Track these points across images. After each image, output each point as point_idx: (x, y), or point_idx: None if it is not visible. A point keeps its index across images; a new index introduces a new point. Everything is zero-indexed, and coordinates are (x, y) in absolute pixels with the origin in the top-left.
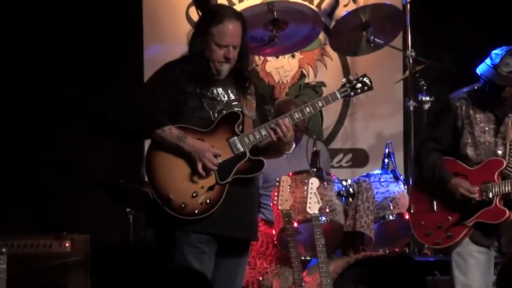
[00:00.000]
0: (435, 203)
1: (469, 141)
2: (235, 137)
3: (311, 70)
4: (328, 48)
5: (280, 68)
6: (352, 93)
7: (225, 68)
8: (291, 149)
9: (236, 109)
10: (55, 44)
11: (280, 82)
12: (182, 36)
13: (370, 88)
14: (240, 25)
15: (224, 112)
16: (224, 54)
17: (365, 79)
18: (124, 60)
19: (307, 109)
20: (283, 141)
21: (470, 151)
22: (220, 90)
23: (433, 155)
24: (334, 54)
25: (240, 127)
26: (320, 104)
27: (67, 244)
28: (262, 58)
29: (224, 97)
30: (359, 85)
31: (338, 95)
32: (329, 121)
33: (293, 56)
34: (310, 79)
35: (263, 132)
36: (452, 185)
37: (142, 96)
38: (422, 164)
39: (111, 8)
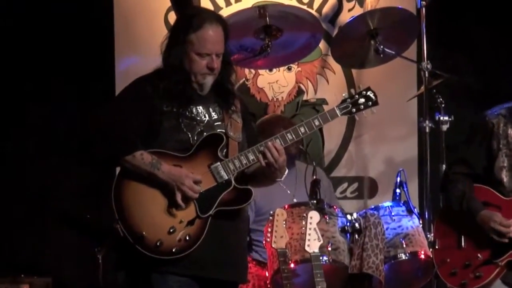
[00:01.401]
0: (463, 238)
1: (505, 164)
2: (218, 163)
3: (310, 85)
4: (331, 60)
5: (274, 83)
6: (354, 110)
7: (209, 80)
8: (283, 176)
9: (218, 130)
10: (13, 57)
11: (274, 99)
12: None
13: (375, 103)
14: (221, 29)
15: (205, 134)
16: (207, 64)
17: (368, 92)
18: (93, 74)
19: (302, 129)
20: (274, 167)
21: (505, 177)
22: (200, 108)
23: (462, 182)
24: (337, 67)
25: (224, 151)
26: (317, 123)
27: None
28: (253, 71)
29: (204, 117)
30: (362, 99)
31: (337, 111)
32: (331, 145)
33: (289, 69)
34: (309, 95)
35: (251, 157)
36: (482, 218)
37: (110, 116)
38: (449, 192)
39: (77, 16)
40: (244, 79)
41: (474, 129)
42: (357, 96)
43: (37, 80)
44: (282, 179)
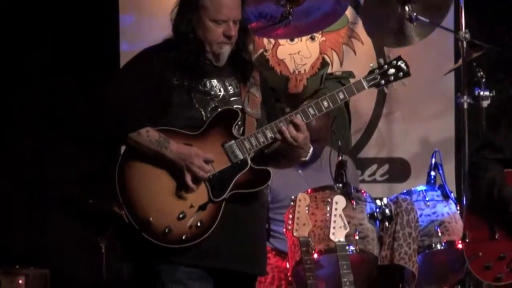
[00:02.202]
0: (496, 228)
1: None
2: (233, 141)
3: (335, 56)
4: (358, 29)
5: (295, 54)
6: (383, 81)
7: (226, 50)
8: (308, 156)
9: (235, 106)
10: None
11: (296, 72)
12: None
13: (407, 73)
14: None
15: (219, 109)
16: (224, 31)
17: (399, 62)
18: (95, 49)
19: (324, 103)
20: (294, 145)
21: None
22: (214, 82)
23: (492, 168)
24: (365, 36)
25: (241, 128)
26: (341, 96)
27: (20, 281)
28: (272, 41)
29: (219, 91)
30: (391, 70)
31: (364, 83)
32: (359, 123)
33: (312, 39)
34: (335, 68)
35: (269, 134)
36: None
37: (112, 91)
38: (478, 180)
39: None
40: (262, 49)
41: (501, 110)
42: (386, 66)
43: (35, 51)
44: (308, 158)
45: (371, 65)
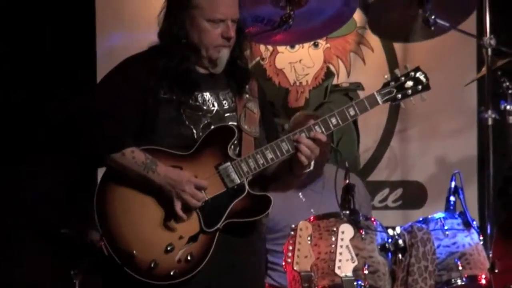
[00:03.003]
0: None
1: None
2: (228, 163)
3: (342, 66)
4: (368, 34)
5: (296, 63)
6: (399, 96)
7: (225, 54)
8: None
9: (230, 122)
10: None
11: (297, 83)
12: (150, 21)
13: (426, 87)
14: None
15: (212, 127)
16: (222, 32)
17: (418, 74)
18: (71, 55)
19: (333, 120)
20: (306, 162)
21: None
22: (207, 95)
23: None
24: (376, 43)
25: (237, 148)
26: (352, 113)
27: None
28: (270, 48)
29: (213, 106)
30: (409, 82)
31: (378, 98)
32: (368, 141)
33: (315, 46)
34: (341, 79)
35: (269, 156)
36: None
37: (93, 104)
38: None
39: None
40: (259, 58)
41: None
42: (403, 78)
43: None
44: (312, 168)
45: (385, 76)
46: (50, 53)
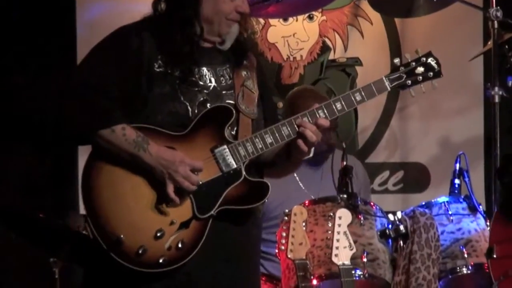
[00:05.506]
0: None
1: None
2: (224, 146)
3: (338, 39)
4: (366, 5)
5: (290, 37)
6: (409, 82)
7: (234, 30)
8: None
9: (227, 101)
10: None
11: (291, 58)
12: None
13: (438, 73)
14: None
15: (209, 105)
16: (237, 6)
17: (429, 59)
18: (49, 33)
19: (338, 105)
20: (306, 147)
21: None
22: (204, 70)
23: None
24: (375, 15)
25: (233, 130)
26: (358, 98)
27: None
28: (262, 21)
29: (210, 81)
30: (420, 69)
31: (387, 83)
32: (367, 120)
33: (310, 18)
34: (338, 54)
35: (268, 140)
36: None
37: (80, 76)
38: (510, 182)
39: None
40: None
41: None
42: (414, 63)
43: None
44: (311, 155)
45: (395, 60)
46: (26, 23)
